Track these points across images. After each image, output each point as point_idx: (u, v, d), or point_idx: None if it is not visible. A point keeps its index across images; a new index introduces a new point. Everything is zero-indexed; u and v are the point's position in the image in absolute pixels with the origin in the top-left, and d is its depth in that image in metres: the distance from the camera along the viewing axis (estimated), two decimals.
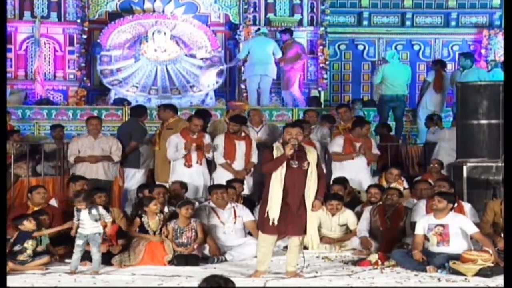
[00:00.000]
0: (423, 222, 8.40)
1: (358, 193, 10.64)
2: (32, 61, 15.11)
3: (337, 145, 10.90)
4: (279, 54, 14.89)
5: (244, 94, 15.08)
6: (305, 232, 7.73)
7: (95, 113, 13.81)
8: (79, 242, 8.05)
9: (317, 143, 10.96)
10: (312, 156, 7.76)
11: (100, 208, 8.15)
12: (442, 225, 8.23)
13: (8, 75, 15.07)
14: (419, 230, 8.38)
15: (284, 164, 7.67)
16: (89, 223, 8.03)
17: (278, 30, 15.47)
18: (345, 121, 11.78)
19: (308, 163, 7.69)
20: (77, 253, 8.05)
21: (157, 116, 11.83)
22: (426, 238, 8.31)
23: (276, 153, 7.72)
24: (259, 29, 15.27)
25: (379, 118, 14.04)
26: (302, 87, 15.26)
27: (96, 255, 8.01)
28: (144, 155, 11.04)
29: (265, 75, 14.71)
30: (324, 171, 10.58)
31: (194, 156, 10.52)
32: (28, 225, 8.42)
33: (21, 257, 8.25)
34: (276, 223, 7.64)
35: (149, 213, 8.80)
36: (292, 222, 7.69)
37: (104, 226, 8.16)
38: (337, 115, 12.02)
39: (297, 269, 7.85)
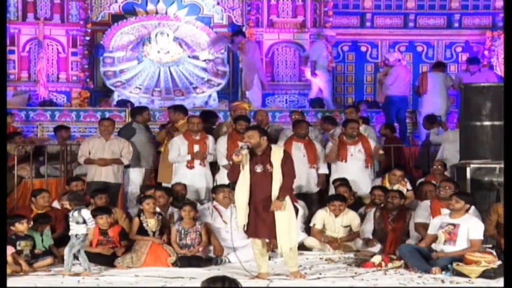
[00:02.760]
0: (437, 221, 8.45)
1: (359, 198, 10.63)
2: (35, 63, 15.14)
3: (327, 149, 10.84)
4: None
5: (248, 96, 15.06)
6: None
7: (98, 115, 13.84)
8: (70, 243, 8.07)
9: (318, 143, 10.96)
10: (276, 156, 7.66)
11: (84, 211, 8.04)
12: (454, 225, 8.26)
13: (12, 76, 15.13)
14: (432, 230, 8.44)
15: (247, 170, 7.64)
16: (72, 225, 8.00)
17: (232, 33, 15.49)
18: None
19: (272, 165, 7.63)
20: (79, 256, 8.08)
21: (168, 118, 11.79)
22: (436, 237, 8.35)
23: (235, 159, 7.69)
24: (318, 34, 15.37)
25: (386, 119, 14.04)
26: (264, 87, 15.25)
27: (66, 255, 7.96)
28: (142, 154, 10.96)
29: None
30: (325, 170, 10.73)
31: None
32: (19, 227, 8.40)
33: (19, 259, 8.22)
34: (244, 228, 7.73)
35: (146, 213, 8.80)
36: (261, 225, 7.66)
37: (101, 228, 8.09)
38: (345, 116, 11.97)
39: (298, 269, 7.86)
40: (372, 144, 10.89)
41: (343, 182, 10.38)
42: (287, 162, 7.71)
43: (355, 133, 10.79)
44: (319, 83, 15.17)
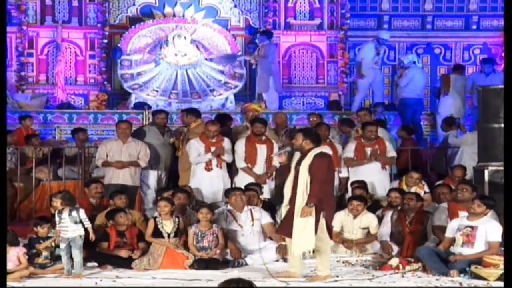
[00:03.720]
0: (455, 223, 8.41)
1: (377, 200, 10.60)
2: (53, 66, 15.22)
3: (348, 151, 10.85)
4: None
5: (265, 98, 15.06)
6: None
7: (115, 117, 13.89)
8: (62, 245, 8.04)
9: (339, 145, 10.96)
10: (307, 158, 7.76)
11: (81, 211, 8.07)
12: (472, 227, 8.23)
13: (30, 79, 15.27)
14: (449, 232, 8.41)
15: (292, 170, 7.87)
16: (70, 226, 7.99)
17: (258, 32, 15.40)
18: None
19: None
20: (63, 257, 8.04)
21: (181, 121, 11.83)
22: (454, 240, 8.32)
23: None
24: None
25: (401, 121, 14.01)
26: (279, 90, 15.25)
27: (77, 257, 7.97)
28: (154, 156, 10.98)
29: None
30: (342, 173, 10.77)
31: (214, 160, 10.53)
32: (41, 230, 8.41)
33: (39, 260, 8.27)
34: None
35: (162, 215, 8.80)
36: (284, 224, 7.90)
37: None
38: (357, 118, 11.97)
39: (327, 273, 7.89)
40: (388, 146, 10.87)
41: (361, 184, 10.37)
42: (314, 165, 7.71)
43: (373, 136, 10.79)
44: (359, 84, 15.09)
